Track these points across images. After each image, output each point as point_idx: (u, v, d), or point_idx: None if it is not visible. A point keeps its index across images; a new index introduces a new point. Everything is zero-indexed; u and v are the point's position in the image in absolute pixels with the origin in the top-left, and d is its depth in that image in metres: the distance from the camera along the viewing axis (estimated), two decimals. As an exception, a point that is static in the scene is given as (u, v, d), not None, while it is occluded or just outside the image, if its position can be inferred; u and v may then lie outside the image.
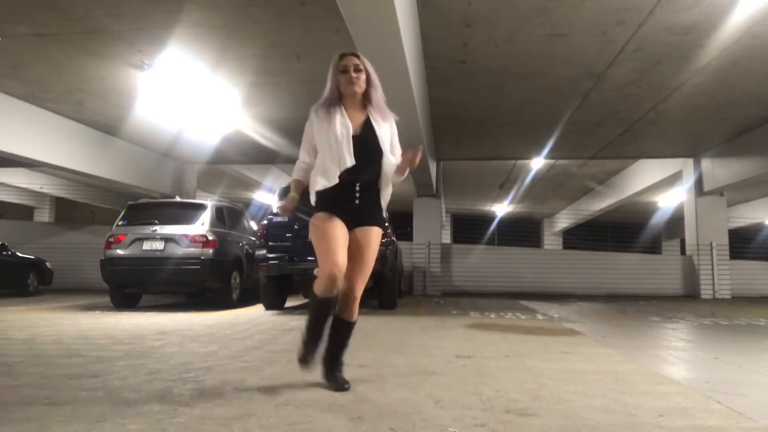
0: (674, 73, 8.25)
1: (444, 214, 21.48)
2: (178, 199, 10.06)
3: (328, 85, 2.90)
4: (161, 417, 2.38)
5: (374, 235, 2.90)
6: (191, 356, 3.98)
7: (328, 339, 2.96)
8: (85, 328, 5.70)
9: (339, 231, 2.79)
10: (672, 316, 7.83)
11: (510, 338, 5.18)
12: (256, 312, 7.77)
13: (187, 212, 8.62)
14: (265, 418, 2.37)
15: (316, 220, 2.85)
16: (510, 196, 20.75)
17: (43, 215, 21.56)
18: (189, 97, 9.28)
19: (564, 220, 25.10)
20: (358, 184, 2.85)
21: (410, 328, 5.94)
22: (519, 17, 6.61)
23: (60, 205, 21.80)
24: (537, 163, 15.07)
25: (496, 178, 17.77)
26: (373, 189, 2.91)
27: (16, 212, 20.34)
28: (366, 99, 2.91)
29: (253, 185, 18.06)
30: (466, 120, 10.91)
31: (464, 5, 6.33)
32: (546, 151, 12.98)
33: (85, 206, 21.75)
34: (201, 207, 8.74)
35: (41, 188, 18.72)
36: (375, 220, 2.92)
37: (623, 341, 5.22)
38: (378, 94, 2.91)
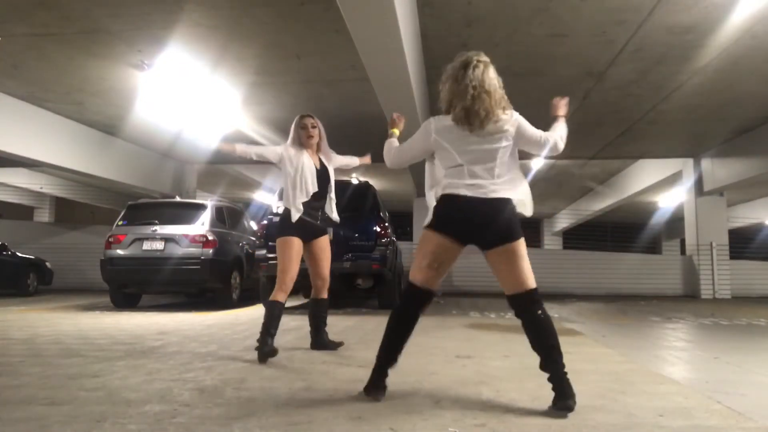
0: (674, 73, 8.25)
1: (444, 214, 21.40)
2: (178, 199, 10.05)
3: (292, 135, 4.17)
4: (161, 417, 2.38)
5: (327, 242, 4.20)
6: (191, 356, 3.98)
7: (311, 317, 4.22)
8: (85, 328, 5.70)
9: (295, 254, 3.94)
10: (672, 316, 7.83)
11: (510, 338, 5.18)
12: (256, 312, 7.76)
13: (187, 212, 8.61)
14: (265, 418, 2.37)
15: (281, 241, 3.94)
16: (510, 196, 20.68)
17: (43, 215, 21.52)
18: (189, 97, 9.28)
19: (564, 220, 25.06)
20: (319, 211, 4.13)
21: (410, 328, 5.92)
22: (519, 17, 6.61)
23: (60, 205, 21.76)
24: (537, 163, 15.04)
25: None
26: (323, 211, 4.19)
27: (16, 212, 20.31)
28: (317, 146, 4.22)
29: (253, 185, 18.03)
30: (466, 120, 10.88)
31: (464, 5, 6.32)
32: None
33: (85, 206, 21.71)
34: (201, 207, 8.73)
35: (41, 188, 18.69)
36: (325, 231, 4.21)
37: (623, 341, 5.22)
38: (325, 143, 4.24)
